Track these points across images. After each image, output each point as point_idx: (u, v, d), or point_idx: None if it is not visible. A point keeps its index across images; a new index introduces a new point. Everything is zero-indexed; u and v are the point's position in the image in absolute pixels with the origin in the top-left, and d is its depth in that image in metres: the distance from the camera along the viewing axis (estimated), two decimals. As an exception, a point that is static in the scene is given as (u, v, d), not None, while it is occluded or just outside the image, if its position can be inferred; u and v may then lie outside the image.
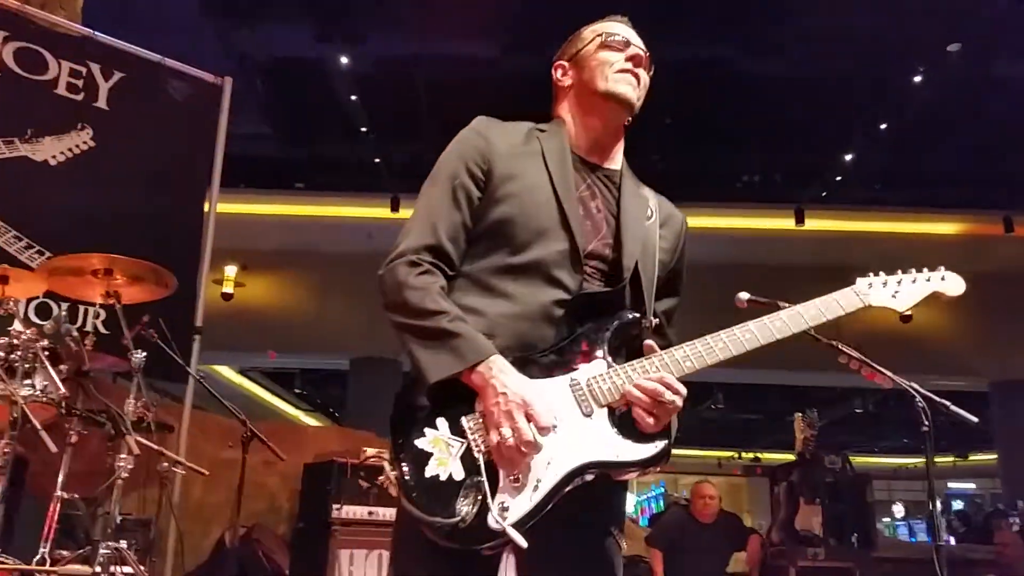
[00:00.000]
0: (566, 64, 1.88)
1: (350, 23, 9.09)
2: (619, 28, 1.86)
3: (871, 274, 1.71)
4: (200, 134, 5.17)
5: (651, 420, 1.53)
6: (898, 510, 16.45)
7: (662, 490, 18.73)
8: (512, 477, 1.48)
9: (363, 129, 10.85)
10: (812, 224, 11.35)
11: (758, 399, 14.75)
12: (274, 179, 11.17)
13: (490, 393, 1.50)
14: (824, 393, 14.73)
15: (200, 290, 4.92)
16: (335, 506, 4.70)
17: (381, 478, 1.35)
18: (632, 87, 1.79)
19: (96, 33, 4.91)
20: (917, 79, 9.91)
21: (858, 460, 15.23)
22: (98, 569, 3.06)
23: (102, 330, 4.23)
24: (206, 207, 5.18)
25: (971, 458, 17.68)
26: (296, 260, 11.73)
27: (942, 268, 1.72)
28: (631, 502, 17.70)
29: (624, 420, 1.57)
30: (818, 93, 9.71)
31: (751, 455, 18.64)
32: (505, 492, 1.47)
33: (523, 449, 1.47)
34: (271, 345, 10.90)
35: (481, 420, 1.52)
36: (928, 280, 1.71)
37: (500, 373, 1.51)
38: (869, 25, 8.84)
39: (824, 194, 12.06)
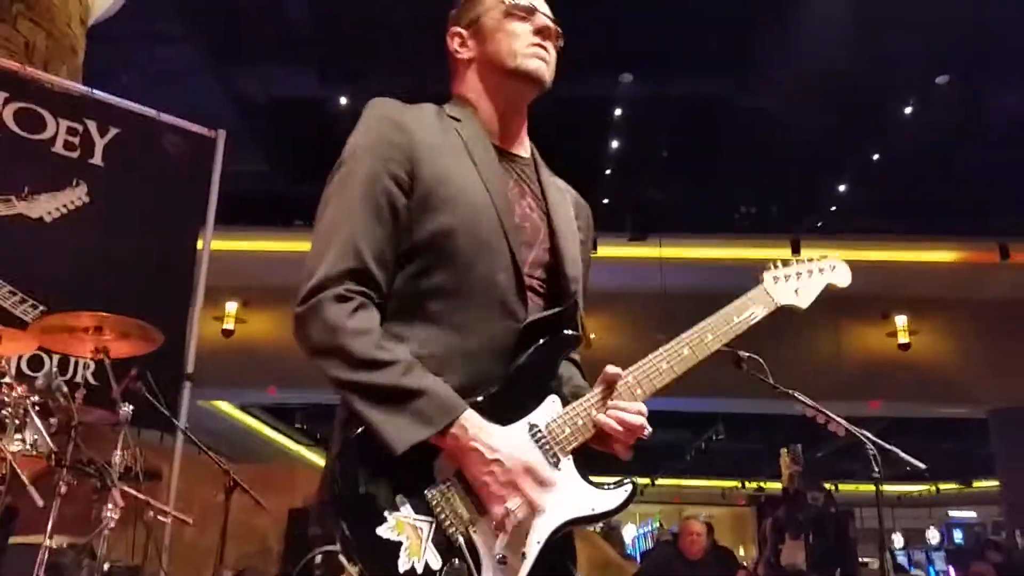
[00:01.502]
0: (464, 32, 1.64)
1: (349, 62, 9.30)
2: None
3: (772, 265, 1.69)
4: (194, 186, 5.25)
5: (627, 453, 1.41)
6: (898, 540, 16.34)
7: (657, 526, 18.58)
8: (499, 555, 1.29)
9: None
10: (808, 254, 11.34)
11: (760, 429, 14.72)
12: (275, 216, 11.35)
13: (476, 460, 1.29)
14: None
15: (190, 338, 5.01)
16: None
17: (343, 577, 1.21)
18: (544, 63, 1.58)
19: (94, 91, 5.06)
20: (908, 110, 10.10)
21: (861, 488, 15.16)
22: (84, 617, 3.17)
23: (92, 382, 4.34)
24: (199, 248, 5.28)
25: (975, 485, 17.59)
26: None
27: (829, 256, 1.77)
28: (630, 535, 17.60)
29: (582, 463, 1.42)
30: (812, 126, 9.86)
31: (755, 485, 18.58)
32: (489, 572, 1.28)
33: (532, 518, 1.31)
34: (272, 381, 11.00)
35: (447, 490, 1.31)
36: (822, 271, 1.73)
37: (480, 432, 1.30)
38: (860, 61, 9.02)
39: (820, 224, 12.16)
